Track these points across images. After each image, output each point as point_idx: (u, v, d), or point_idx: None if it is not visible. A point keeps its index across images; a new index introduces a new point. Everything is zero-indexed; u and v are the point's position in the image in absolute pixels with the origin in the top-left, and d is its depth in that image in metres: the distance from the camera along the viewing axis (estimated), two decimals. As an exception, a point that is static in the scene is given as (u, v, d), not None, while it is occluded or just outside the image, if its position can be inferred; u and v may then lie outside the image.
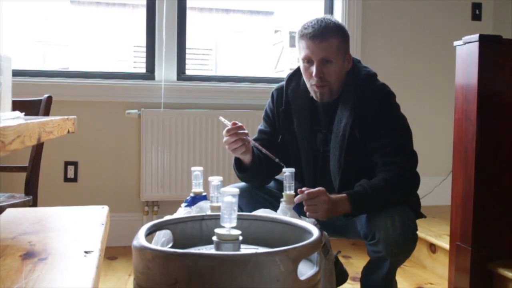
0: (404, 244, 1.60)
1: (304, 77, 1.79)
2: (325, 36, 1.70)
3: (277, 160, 1.73)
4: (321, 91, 1.75)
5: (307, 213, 1.59)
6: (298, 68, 1.89)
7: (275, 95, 1.92)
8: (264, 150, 1.75)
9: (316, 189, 1.59)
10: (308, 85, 1.79)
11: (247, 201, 1.77)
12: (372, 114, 1.73)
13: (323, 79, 1.73)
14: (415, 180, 1.74)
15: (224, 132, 1.70)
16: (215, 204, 1.45)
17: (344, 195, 1.63)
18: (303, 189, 1.60)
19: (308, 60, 1.74)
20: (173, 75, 3.10)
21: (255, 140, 1.84)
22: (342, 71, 1.77)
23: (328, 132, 1.81)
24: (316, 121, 1.84)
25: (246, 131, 1.70)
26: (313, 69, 1.72)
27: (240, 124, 1.70)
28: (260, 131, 1.93)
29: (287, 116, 1.86)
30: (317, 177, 1.84)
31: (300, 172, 1.82)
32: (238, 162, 1.82)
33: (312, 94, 1.80)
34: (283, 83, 1.91)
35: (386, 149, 1.71)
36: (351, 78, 1.79)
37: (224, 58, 5.60)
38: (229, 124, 1.70)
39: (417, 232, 1.68)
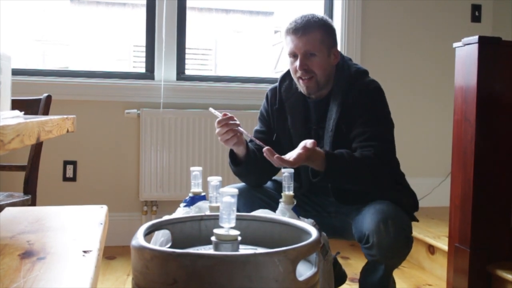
0: (398, 248, 1.60)
1: (291, 72, 1.81)
2: (306, 30, 1.73)
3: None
4: (307, 85, 1.77)
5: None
6: None
7: (269, 95, 1.94)
8: (257, 141, 1.75)
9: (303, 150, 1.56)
10: (295, 79, 1.81)
11: (245, 202, 1.77)
12: (357, 107, 1.75)
13: (308, 71, 1.74)
14: (387, 164, 1.72)
15: (215, 123, 1.70)
16: (214, 204, 1.45)
17: (322, 152, 1.61)
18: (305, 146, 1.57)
19: (293, 55, 1.76)
20: (173, 75, 3.10)
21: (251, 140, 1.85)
22: (328, 64, 1.78)
23: (320, 129, 1.82)
24: (310, 118, 1.85)
25: (237, 122, 1.70)
26: (297, 62, 1.74)
27: (230, 115, 1.70)
28: (256, 131, 1.94)
29: (281, 115, 1.88)
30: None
31: (296, 170, 1.82)
32: (232, 156, 1.82)
33: (300, 88, 1.82)
34: (277, 83, 1.93)
35: (364, 136, 1.71)
36: (341, 75, 1.80)
37: (223, 58, 5.61)
38: (219, 115, 1.70)
39: (416, 234, 1.68)
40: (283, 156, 1.54)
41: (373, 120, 1.74)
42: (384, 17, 3.36)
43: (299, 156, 1.55)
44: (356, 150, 1.71)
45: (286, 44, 1.78)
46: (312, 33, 1.73)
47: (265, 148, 1.55)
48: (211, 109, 1.79)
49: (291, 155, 1.56)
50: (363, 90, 1.78)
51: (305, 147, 1.57)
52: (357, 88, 1.77)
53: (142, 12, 3.16)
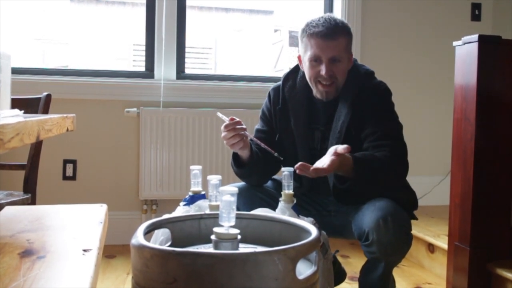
0: (397, 245, 1.60)
1: (309, 75, 1.78)
2: (336, 35, 1.72)
3: (276, 154, 1.73)
4: (327, 90, 1.76)
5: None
6: (294, 67, 1.90)
7: (272, 95, 1.93)
8: (262, 145, 1.75)
9: (330, 162, 1.53)
10: (312, 83, 1.79)
11: (245, 201, 1.77)
12: (368, 110, 1.75)
13: (332, 76, 1.74)
14: (405, 166, 1.74)
15: (222, 127, 1.70)
16: (213, 203, 1.45)
17: (350, 157, 1.61)
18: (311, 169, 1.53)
19: (315, 59, 1.74)
20: (173, 74, 3.10)
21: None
22: (347, 69, 1.79)
23: (326, 130, 1.82)
24: (314, 119, 1.85)
25: (244, 126, 1.70)
26: (322, 67, 1.72)
27: (238, 119, 1.70)
28: (258, 130, 1.94)
29: (284, 115, 1.87)
30: (314, 176, 1.84)
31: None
32: (235, 158, 1.82)
33: (316, 92, 1.80)
34: (280, 82, 1.92)
35: (376, 135, 1.72)
36: (351, 76, 1.80)
37: (223, 57, 5.60)
38: (226, 120, 1.70)
39: (415, 232, 1.68)
40: (316, 166, 1.52)
41: (384, 120, 1.75)
42: (384, 16, 3.36)
43: (332, 162, 1.52)
44: (368, 150, 1.71)
45: (308, 47, 1.75)
46: (340, 39, 1.73)
47: (299, 164, 1.50)
48: (218, 113, 1.79)
49: (323, 162, 1.53)
50: (373, 91, 1.78)
51: (336, 153, 1.55)
52: (367, 90, 1.77)
53: (142, 11, 3.15)
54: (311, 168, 1.51)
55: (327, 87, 1.76)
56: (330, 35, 1.71)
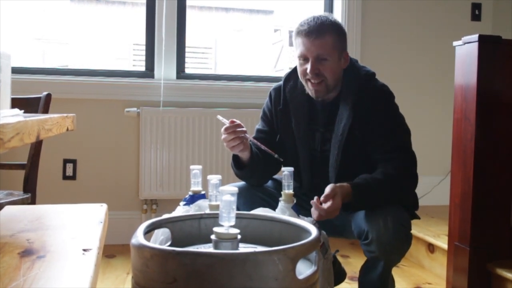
0: (396, 245, 1.60)
1: (299, 74, 1.79)
2: (320, 34, 1.71)
3: (276, 156, 1.73)
4: (316, 88, 1.75)
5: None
6: (295, 67, 1.90)
7: (273, 95, 1.92)
8: (262, 147, 1.75)
9: (330, 204, 1.58)
10: (303, 82, 1.80)
11: (245, 201, 1.77)
12: (372, 114, 1.74)
13: (319, 74, 1.73)
14: (413, 179, 1.74)
15: (222, 130, 1.70)
16: (213, 203, 1.45)
17: (348, 186, 1.63)
18: (316, 201, 1.59)
19: (303, 58, 1.74)
20: (173, 74, 3.10)
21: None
22: (338, 68, 1.77)
23: (327, 131, 1.81)
24: (314, 120, 1.84)
25: (244, 129, 1.70)
26: (308, 66, 1.72)
27: (238, 122, 1.70)
28: (258, 130, 1.93)
29: (285, 115, 1.87)
30: (314, 176, 1.84)
31: (297, 171, 1.83)
32: (236, 160, 1.83)
33: (308, 91, 1.80)
34: (281, 82, 1.91)
35: (385, 148, 1.72)
36: (351, 78, 1.79)
37: (223, 56, 5.61)
38: (227, 123, 1.70)
39: (415, 232, 1.68)
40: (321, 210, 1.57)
41: (393, 130, 1.75)
42: (384, 16, 3.35)
43: (336, 206, 1.57)
44: (377, 162, 1.72)
45: (297, 45, 1.76)
46: (325, 37, 1.71)
47: (314, 200, 1.58)
48: (219, 116, 1.79)
49: (327, 207, 1.57)
50: (377, 96, 1.77)
51: (333, 195, 1.58)
52: (369, 92, 1.77)
53: (142, 11, 3.15)
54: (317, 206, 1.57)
55: (316, 86, 1.75)
56: (314, 33, 1.70)
